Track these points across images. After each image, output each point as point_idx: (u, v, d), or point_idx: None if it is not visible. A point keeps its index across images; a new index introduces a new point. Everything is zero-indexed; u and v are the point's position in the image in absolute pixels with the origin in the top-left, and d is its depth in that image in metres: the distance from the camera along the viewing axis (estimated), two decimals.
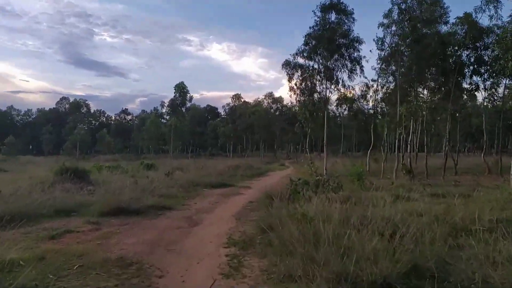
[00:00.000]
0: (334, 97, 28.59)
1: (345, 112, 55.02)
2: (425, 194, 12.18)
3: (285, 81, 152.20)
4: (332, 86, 24.67)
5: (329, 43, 23.12)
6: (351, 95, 29.15)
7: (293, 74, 25.44)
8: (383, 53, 24.64)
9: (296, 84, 25.72)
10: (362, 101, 38.33)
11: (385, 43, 22.22)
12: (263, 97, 71.06)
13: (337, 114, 56.69)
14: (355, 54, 24.15)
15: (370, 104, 29.60)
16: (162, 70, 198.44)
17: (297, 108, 37.06)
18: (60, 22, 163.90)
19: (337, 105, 50.77)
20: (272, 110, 68.00)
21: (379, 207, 8.28)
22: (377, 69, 27.55)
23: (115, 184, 13.69)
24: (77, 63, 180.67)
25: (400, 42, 20.78)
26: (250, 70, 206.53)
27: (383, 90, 28.84)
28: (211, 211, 11.14)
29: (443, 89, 22.69)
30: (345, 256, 5.19)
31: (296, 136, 70.53)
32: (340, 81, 24.60)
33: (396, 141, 21.34)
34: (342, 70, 24.05)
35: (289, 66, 25.46)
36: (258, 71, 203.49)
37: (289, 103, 68.01)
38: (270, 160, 54.38)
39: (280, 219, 8.00)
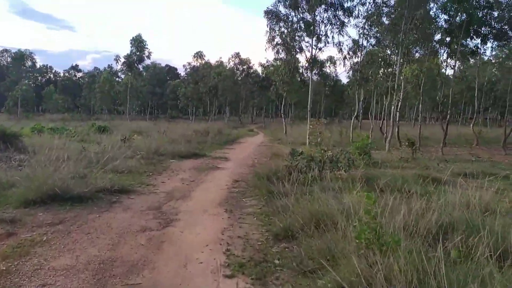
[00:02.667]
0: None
1: (315, 77, 52.43)
2: (451, 174, 9.81)
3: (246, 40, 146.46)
4: (319, 44, 21.43)
5: None
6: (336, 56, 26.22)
7: (274, 27, 21.90)
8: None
9: (274, 39, 22.39)
10: (337, 64, 35.32)
11: None
12: (230, 57, 66.44)
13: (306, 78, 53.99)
14: (349, 3, 20.93)
15: (347, 67, 27.01)
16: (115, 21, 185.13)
17: (270, 70, 34.15)
18: None
19: (306, 68, 48.10)
20: (238, 72, 63.79)
21: (436, 198, 5.76)
22: (358, 28, 25.03)
23: (53, 152, 10.08)
24: (21, 13, 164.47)
25: None
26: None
27: (364, 52, 26.58)
28: (187, 197, 8.09)
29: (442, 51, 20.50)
30: None
31: (262, 101, 67.30)
32: (330, 37, 21.40)
33: (393, 108, 19.03)
34: (333, 23, 20.71)
35: (272, 16, 21.73)
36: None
37: (253, 64, 64.44)
38: (236, 124, 51.32)
39: (305, 222, 5.27)
